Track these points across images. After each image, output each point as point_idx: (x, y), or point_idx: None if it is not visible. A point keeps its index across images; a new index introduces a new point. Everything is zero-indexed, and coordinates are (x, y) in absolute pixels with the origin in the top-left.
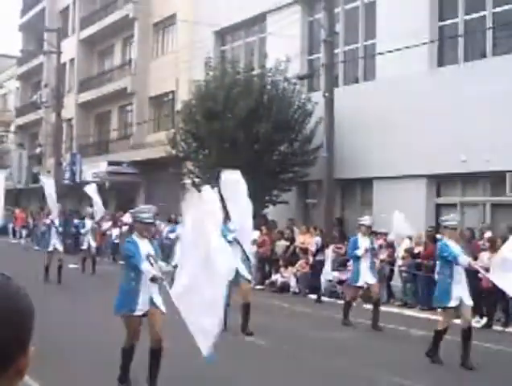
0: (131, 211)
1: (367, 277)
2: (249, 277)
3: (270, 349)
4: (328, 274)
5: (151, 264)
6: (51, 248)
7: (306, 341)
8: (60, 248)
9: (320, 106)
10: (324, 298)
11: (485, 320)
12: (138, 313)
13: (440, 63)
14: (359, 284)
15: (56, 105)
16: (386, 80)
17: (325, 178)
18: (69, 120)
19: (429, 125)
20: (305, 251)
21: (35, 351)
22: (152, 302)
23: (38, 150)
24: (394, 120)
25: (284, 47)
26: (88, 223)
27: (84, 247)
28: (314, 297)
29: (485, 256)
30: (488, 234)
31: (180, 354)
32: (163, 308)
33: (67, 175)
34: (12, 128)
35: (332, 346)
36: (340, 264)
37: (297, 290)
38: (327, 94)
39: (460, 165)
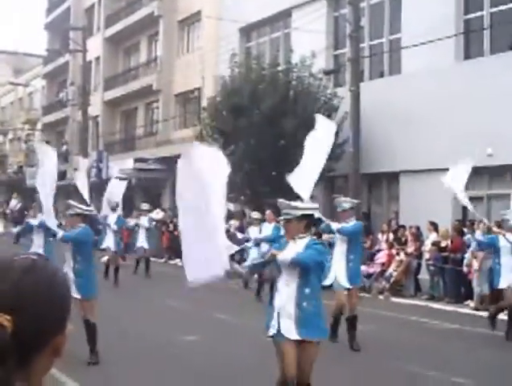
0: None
1: None
2: (346, 284)
3: None
4: None
5: None
6: (104, 246)
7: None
8: (113, 247)
9: (345, 101)
10: None
11: None
12: None
13: (467, 56)
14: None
15: (82, 103)
16: (411, 73)
17: (351, 172)
18: (95, 117)
19: (455, 118)
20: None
21: (71, 330)
22: None
23: (64, 148)
24: (420, 113)
25: (309, 43)
26: (144, 219)
27: (138, 246)
28: None
29: None
30: None
31: None
32: None
33: (93, 173)
34: (38, 126)
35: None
36: (368, 258)
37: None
38: (353, 89)
39: (487, 158)
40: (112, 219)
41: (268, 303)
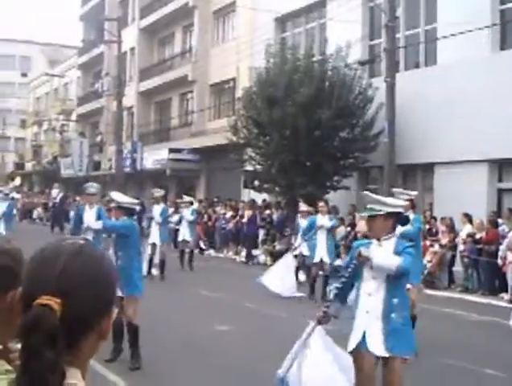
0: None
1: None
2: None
3: None
4: None
5: None
6: (151, 241)
7: None
8: (158, 241)
9: (381, 92)
10: None
11: None
12: None
13: (502, 47)
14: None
15: (117, 94)
16: (447, 64)
17: (386, 163)
18: (130, 108)
19: (491, 109)
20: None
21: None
22: None
23: (99, 139)
24: (456, 104)
25: (345, 33)
26: (187, 212)
27: (180, 239)
28: None
29: None
30: None
31: None
32: None
33: (127, 163)
34: (73, 117)
35: None
36: None
37: None
38: (388, 79)
39: None
40: (156, 211)
41: (348, 314)
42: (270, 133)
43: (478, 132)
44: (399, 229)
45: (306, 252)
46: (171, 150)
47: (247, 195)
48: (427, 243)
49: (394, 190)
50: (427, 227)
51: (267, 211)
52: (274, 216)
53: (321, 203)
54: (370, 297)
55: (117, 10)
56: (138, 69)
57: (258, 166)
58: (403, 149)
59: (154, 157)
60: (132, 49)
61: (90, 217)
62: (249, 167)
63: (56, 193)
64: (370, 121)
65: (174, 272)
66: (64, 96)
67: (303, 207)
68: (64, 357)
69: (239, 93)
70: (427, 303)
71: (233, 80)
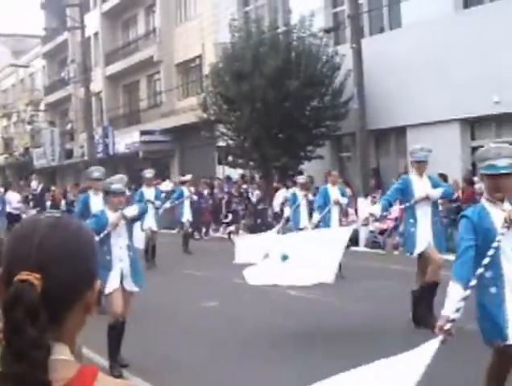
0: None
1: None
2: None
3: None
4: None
5: None
6: (146, 226)
7: (352, 292)
8: (156, 227)
9: (348, 58)
10: (365, 249)
11: None
12: None
13: (465, 5)
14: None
15: (84, 80)
16: (411, 26)
17: (358, 129)
18: (98, 93)
19: (458, 67)
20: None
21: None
22: None
23: (69, 126)
24: (423, 66)
25: (308, 2)
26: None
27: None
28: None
29: None
30: None
31: None
32: None
33: (100, 149)
34: (42, 106)
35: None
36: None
37: None
38: (354, 45)
39: (493, 106)
40: (151, 194)
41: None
42: (240, 107)
43: (448, 91)
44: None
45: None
46: (143, 133)
47: (222, 171)
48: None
49: (413, 147)
50: None
51: (244, 186)
52: (253, 192)
53: (333, 172)
54: None
55: None
56: (104, 54)
57: (231, 142)
58: (374, 114)
59: (126, 140)
60: (96, 34)
61: (98, 204)
62: (221, 143)
63: (36, 185)
64: (339, 89)
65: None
66: (30, 86)
67: (301, 179)
68: (49, 333)
69: (206, 70)
70: (409, 266)
71: (199, 57)
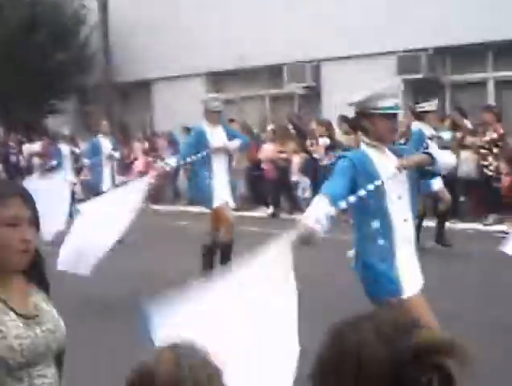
0: None
1: None
2: None
3: None
4: None
5: None
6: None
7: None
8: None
9: (94, 12)
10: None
11: (271, 209)
12: None
13: None
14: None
15: None
16: None
17: (103, 83)
18: None
19: (200, 19)
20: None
21: None
22: None
23: None
24: (168, 19)
25: None
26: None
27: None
28: None
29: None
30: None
31: None
32: None
33: None
34: None
35: None
36: (125, 168)
37: None
38: None
39: (238, 61)
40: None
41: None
42: None
43: (191, 45)
44: None
45: None
46: None
47: None
48: (150, 159)
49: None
50: (148, 144)
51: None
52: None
53: (104, 122)
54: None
55: None
56: None
57: None
58: (122, 67)
59: None
60: None
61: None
62: None
63: None
64: (85, 42)
65: None
66: None
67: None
68: None
69: None
70: (152, 218)
71: None
